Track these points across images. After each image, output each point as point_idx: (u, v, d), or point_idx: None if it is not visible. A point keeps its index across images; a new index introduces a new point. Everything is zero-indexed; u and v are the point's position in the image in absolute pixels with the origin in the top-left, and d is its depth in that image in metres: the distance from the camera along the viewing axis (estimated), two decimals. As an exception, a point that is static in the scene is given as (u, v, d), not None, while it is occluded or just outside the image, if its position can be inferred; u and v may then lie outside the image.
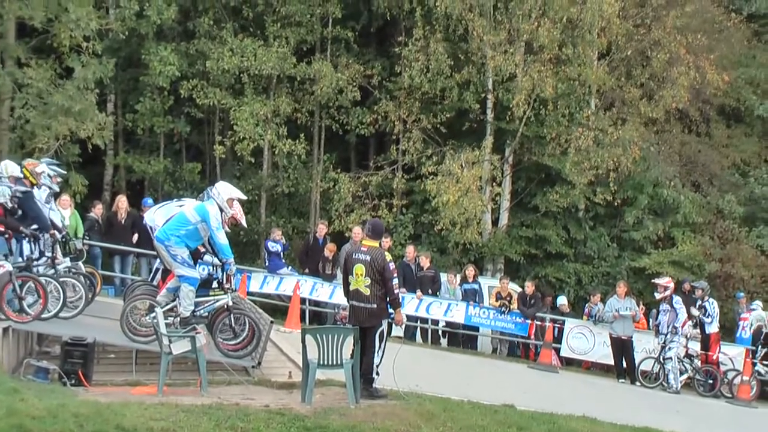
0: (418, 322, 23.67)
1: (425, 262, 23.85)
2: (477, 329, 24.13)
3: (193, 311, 14.83)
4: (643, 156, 30.66)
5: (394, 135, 31.60)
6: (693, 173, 32.87)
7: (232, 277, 15.31)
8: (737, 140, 34.42)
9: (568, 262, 30.74)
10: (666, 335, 21.73)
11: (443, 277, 24.23)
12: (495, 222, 30.89)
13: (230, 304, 15.06)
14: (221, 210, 14.85)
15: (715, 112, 33.92)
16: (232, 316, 15.01)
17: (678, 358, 21.83)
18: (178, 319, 14.70)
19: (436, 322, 23.99)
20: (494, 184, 30.25)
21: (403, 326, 20.44)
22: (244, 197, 15.93)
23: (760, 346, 23.13)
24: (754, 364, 22.56)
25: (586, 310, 25.26)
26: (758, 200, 32.44)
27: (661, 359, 21.82)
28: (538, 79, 29.12)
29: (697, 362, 22.53)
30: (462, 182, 28.50)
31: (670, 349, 21.68)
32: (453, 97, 30.39)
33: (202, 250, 15.59)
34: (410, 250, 24.12)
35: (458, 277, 24.61)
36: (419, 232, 30.97)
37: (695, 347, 22.82)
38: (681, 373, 21.84)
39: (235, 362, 14.73)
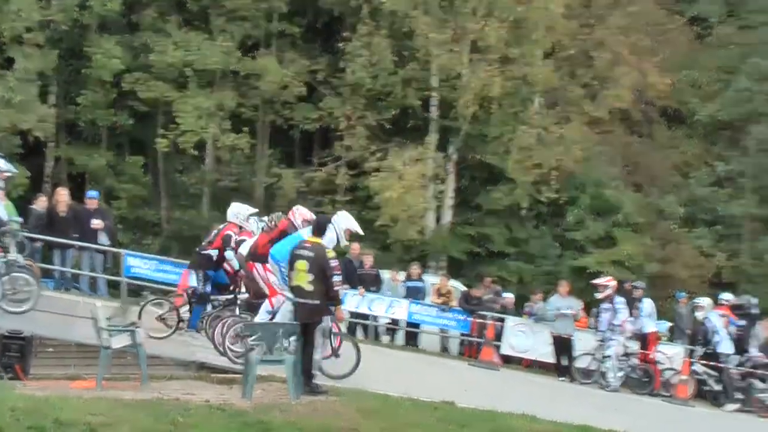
0: (360, 318, 23.77)
1: (368, 261, 23.97)
2: (419, 326, 24.26)
3: None
4: (585, 156, 31.07)
5: (339, 131, 31.65)
6: (635, 174, 33.37)
7: None
8: (679, 142, 34.98)
9: (511, 261, 31.04)
10: (605, 333, 22.05)
11: (386, 274, 24.36)
12: (438, 220, 31.10)
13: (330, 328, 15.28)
14: (337, 239, 14.92)
15: (657, 113, 34.45)
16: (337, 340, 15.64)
17: (617, 356, 22.13)
18: None
19: (377, 319, 24.11)
20: (438, 181, 30.44)
21: (345, 323, 20.51)
22: (361, 232, 16.17)
23: (699, 346, 23.51)
24: (692, 364, 22.94)
25: (527, 308, 25.51)
26: (699, 201, 33.03)
27: (600, 357, 22.13)
28: (486, 78, 29.37)
29: (635, 360, 22.84)
30: (405, 179, 28.67)
31: (609, 347, 21.96)
32: (396, 94, 30.55)
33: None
34: (355, 247, 24.18)
35: (402, 274, 24.75)
36: (362, 228, 31.00)
37: (634, 346, 23.14)
38: (619, 371, 22.16)
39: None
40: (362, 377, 14.86)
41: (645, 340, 23.44)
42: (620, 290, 23.73)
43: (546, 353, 23.51)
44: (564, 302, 22.97)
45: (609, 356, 21.94)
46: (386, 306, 23.63)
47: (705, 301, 24.29)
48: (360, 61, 30.13)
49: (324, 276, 13.48)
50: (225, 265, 17.63)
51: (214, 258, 17.78)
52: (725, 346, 22.93)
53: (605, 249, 31.17)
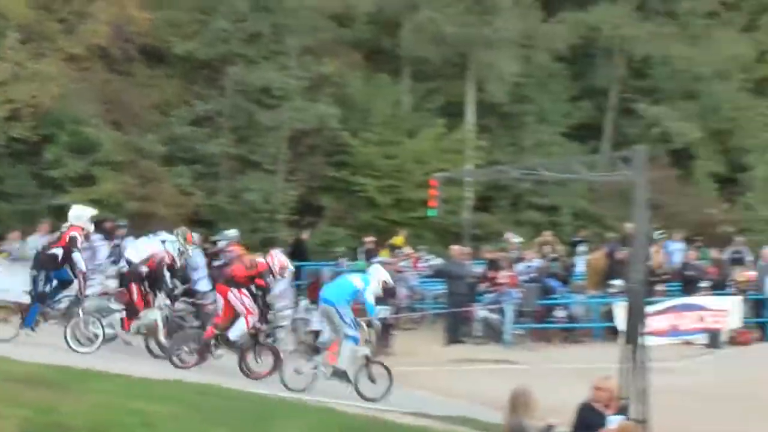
0: None
1: None
2: None
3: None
4: (63, 93, 31.47)
5: None
6: (115, 112, 34.18)
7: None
8: (159, 81, 36.09)
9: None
10: (87, 273, 22.99)
11: None
12: None
13: (368, 355, 19.18)
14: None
15: (137, 51, 35.25)
16: (372, 366, 18.97)
17: (96, 295, 23.18)
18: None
19: None
20: None
21: None
22: (392, 283, 21.28)
23: (180, 283, 25.13)
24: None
25: (4, 248, 25.75)
26: (178, 140, 34.62)
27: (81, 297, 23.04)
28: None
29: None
30: None
31: (90, 287, 22.95)
32: None
33: None
34: None
35: None
36: None
37: (113, 285, 24.23)
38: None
39: None
40: None
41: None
42: (102, 229, 24.80)
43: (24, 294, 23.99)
44: (44, 241, 23.57)
45: (89, 296, 22.96)
46: None
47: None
48: None
49: None
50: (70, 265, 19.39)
51: (59, 257, 19.35)
52: (203, 284, 24.83)
53: (85, 187, 31.87)
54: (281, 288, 25.25)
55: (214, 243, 26.62)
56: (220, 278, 20.68)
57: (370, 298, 19.16)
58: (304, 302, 25.88)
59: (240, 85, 35.19)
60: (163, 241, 20.81)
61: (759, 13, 42.27)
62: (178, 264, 21.00)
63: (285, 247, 29.59)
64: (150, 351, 20.37)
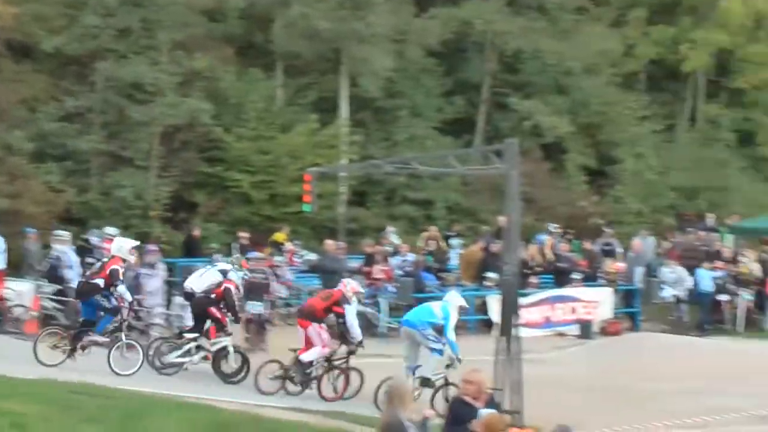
0: None
1: None
2: None
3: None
4: None
5: None
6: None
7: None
8: (27, 76, 35.35)
9: None
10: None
11: None
12: None
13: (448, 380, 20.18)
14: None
15: (3, 46, 34.53)
16: (449, 389, 19.78)
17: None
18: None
19: None
20: None
21: None
22: (467, 306, 22.04)
23: (47, 281, 24.86)
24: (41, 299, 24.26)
25: None
26: (47, 136, 34.03)
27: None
28: None
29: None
30: None
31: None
32: None
33: None
34: None
35: None
36: None
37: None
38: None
39: None
40: None
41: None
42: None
43: None
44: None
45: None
46: None
47: (65, 234, 25.82)
48: None
49: None
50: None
51: (101, 287, 20.49)
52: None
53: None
54: (154, 286, 25.20)
55: (86, 240, 26.28)
56: (300, 312, 22.18)
57: (452, 335, 20.26)
58: (178, 299, 25.75)
59: (110, 81, 34.61)
60: (223, 271, 22.13)
61: (627, 9, 43.59)
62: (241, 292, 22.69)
63: (164, 244, 29.45)
64: (220, 375, 21.48)
